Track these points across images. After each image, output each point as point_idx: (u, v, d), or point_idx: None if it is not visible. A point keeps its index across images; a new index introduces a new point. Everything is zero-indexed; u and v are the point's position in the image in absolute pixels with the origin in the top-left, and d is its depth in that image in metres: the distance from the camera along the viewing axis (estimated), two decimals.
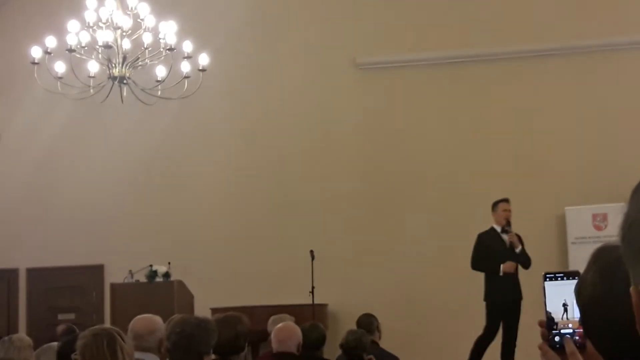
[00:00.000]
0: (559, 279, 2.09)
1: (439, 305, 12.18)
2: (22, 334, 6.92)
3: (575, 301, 2.03)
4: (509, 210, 10.15)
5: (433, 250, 12.39)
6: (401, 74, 12.89)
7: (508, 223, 10.07)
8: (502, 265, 9.90)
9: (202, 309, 10.50)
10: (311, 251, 10.93)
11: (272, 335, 6.39)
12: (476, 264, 10.20)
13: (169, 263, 10.75)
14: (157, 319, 5.50)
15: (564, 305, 2.04)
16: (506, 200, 10.23)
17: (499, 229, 10.12)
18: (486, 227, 12.11)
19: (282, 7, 13.20)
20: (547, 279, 2.10)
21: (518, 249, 10.02)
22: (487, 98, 12.67)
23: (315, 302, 10.89)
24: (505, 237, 10.06)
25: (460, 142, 12.65)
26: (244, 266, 12.61)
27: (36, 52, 9.02)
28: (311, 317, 9.78)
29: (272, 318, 7.54)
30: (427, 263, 12.36)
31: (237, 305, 10.35)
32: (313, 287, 10.79)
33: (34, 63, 9.00)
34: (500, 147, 12.52)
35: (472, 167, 12.54)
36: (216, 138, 13.07)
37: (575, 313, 2.03)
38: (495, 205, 10.26)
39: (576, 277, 2.07)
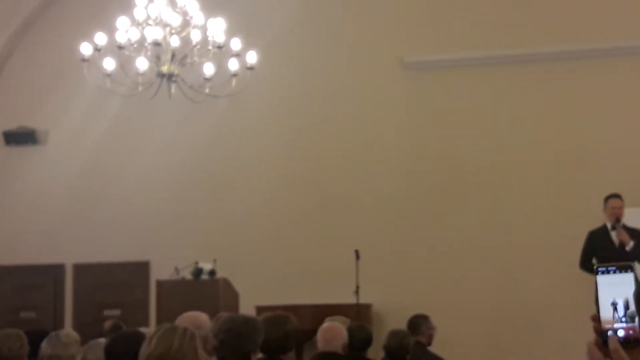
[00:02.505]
0: (612, 272, 2.05)
1: (483, 305, 12.09)
2: (69, 330, 6.95)
3: (631, 300, 1.98)
4: (619, 207, 9.71)
5: (477, 250, 12.31)
6: (448, 73, 12.80)
7: (617, 220, 9.62)
8: None
9: (247, 307, 10.54)
10: (356, 250, 10.90)
11: (318, 335, 6.37)
12: (583, 264, 9.86)
13: (215, 260, 10.75)
14: (204, 316, 5.51)
15: (613, 304, 2.00)
16: (616, 196, 9.80)
17: (609, 226, 9.73)
18: (530, 227, 12.07)
19: (330, 5, 13.18)
20: (600, 273, 2.06)
21: (629, 246, 9.53)
22: (534, 98, 12.55)
23: (360, 301, 10.85)
24: (614, 235, 9.64)
25: (507, 142, 12.55)
26: (289, 264, 12.61)
27: (86, 49, 9.07)
28: (355, 316, 9.74)
29: (326, 320, 7.41)
30: (472, 263, 12.28)
31: (281, 304, 10.35)
32: (358, 287, 10.75)
33: (83, 60, 9.05)
34: (548, 147, 12.40)
35: (518, 167, 12.44)
36: (263, 136, 13.07)
37: (623, 312, 1.99)
38: (605, 201, 9.87)
39: (629, 270, 2.02)
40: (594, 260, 9.77)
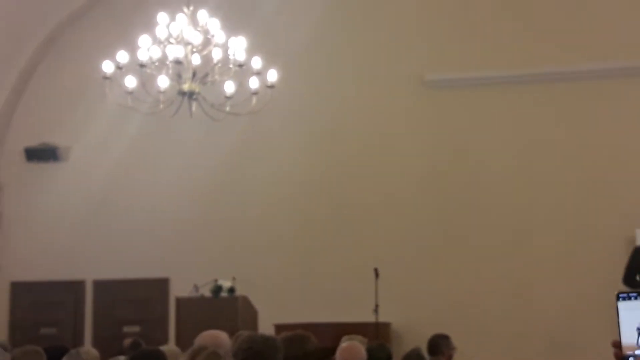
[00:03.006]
0: (633, 298, 2.04)
1: (503, 325, 12.03)
2: (89, 347, 6.99)
3: None
4: None
5: (498, 269, 12.28)
6: (469, 91, 12.81)
7: None
8: None
9: (265, 325, 10.53)
10: (375, 269, 10.89)
11: (337, 354, 6.33)
12: (627, 280, 9.57)
13: (234, 278, 10.76)
14: (223, 335, 5.51)
15: (638, 329, 1.99)
16: None
17: None
18: (551, 247, 12.03)
19: (350, 23, 13.22)
20: (621, 299, 2.04)
21: None
22: (554, 117, 12.54)
23: (379, 320, 10.82)
24: None
25: (527, 161, 12.54)
26: (308, 283, 12.60)
27: (108, 67, 9.12)
28: (374, 335, 9.71)
29: (344, 339, 7.41)
30: (492, 282, 12.25)
31: (300, 322, 10.32)
32: (377, 305, 10.73)
33: (105, 77, 9.09)
34: (568, 166, 12.38)
35: (539, 186, 12.43)
36: (283, 154, 13.10)
37: None
38: None
39: None
40: (638, 277, 9.68)
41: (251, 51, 9.34)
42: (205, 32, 9.22)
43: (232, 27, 9.71)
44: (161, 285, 13.17)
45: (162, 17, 9.13)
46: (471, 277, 12.34)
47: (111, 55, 9.26)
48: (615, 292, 2.06)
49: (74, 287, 13.52)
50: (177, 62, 8.92)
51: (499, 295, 12.18)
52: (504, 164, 12.58)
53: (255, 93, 9.29)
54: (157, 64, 9.03)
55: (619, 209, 11.99)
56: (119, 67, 9.12)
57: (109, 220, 13.39)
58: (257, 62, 9.30)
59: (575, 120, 12.46)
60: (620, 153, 12.23)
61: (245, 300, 10.71)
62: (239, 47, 9.14)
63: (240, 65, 9.12)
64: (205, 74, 9.17)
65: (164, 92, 9.07)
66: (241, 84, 9.27)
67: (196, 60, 9.08)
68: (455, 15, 12.91)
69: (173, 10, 9.33)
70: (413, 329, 11.73)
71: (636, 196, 11.92)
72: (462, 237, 12.50)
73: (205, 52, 9.18)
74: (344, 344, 6.52)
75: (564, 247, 12.16)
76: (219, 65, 9.08)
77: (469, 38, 12.84)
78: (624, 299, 2.04)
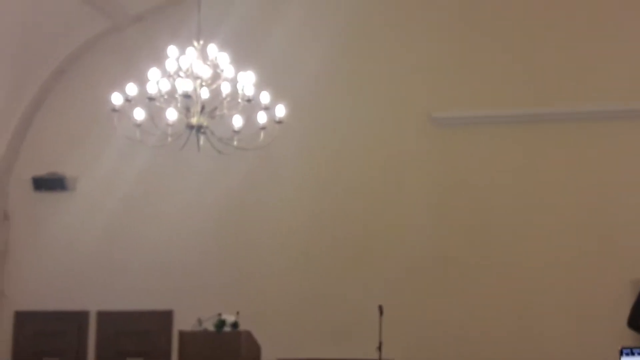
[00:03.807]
0: (636, 354, 2.02)
1: None
2: None
3: None
4: None
5: (502, 308, 12.27)
6: (475, 129, 12.85)
7: None
8: None
9: None
10: (380, 306, 10.85)
11: None
12: (631, 322, 9.50)
13: (238, 312, 10.74)
14: None
15: None
16: None
17: None
18: (555, 286, 12.01)
19: (358, 60, 13.28)
20: (624, 354, 2.03)
21: None
22: (559, 157, 12.58)
23: (383, 357, 10.78)
24: None
25: (531, 200, 12.56)
26: (312, 318, 12.58)
27: (117, 99, 9.16)
28: None
29: None
30: (497, 320, 12.23)
31: (303, 358, 10.32)
32: (381, 343, 10.69)
33: (114, 110, 9.13)
34: (573, 205, 12.39)
35: (544, 225, 12.43)
36: (289, 189, 13.12)
37: None
38: None
39: None
40: None
41: (260, 86, 9.38)
42: (215, 66, 9.26)
43: (241, 61, 9.74)
44: (165, 318, 13.14)
45: (172, 50, 9.19)
46: (476, 316, 12.30)
47: (120, 88, 9.30)
48: (619, 347, 2.04)
49: (78, 318, 13.50)
50: (186, 96, 8.95)
51: (503, 333, 12.13)
52: (509, 202, 12.59)
53: (263, 128, 9.31)
54: (165, 97, 9.06)
55: (624, 251, 11.97)
56: (127, 100, 9.16)
57: (114, 251, 13.41)
58: (265, 97, 9.34)
59: (580, 160, 12.48)
60: (626, 194, 12.23)
61: (249, 335, 10.68)
62: (247, 81, 9.17)
63: (249, 100, 9.15)
64: (213, 107, 9.19)
65: (172, 125, 9.11)
66: (249, 119, 9.30)
67: (205, 94, 9.12)
68: (462, 55, 12.97)
69: (182, 44, 9.39)
70: None
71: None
72: (467, 275, 12.48)
73: (214, 86, 9.22)
74: None
75: (569, 287, 12.12)
76: (228, 99, 9.10)
77: (475, 77, 12.90)
78: (627, 354, 2.02)
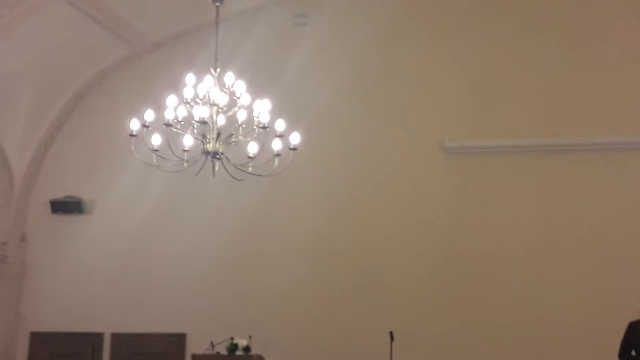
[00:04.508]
0: None
1: None
2: None
3: None
4: None
5: (514, 336, 12.27)
6: (488, 159, 12.93)
7: None
8: None
9: None
10: (391, 332, 10.90)
11: None
12: (622, 355, 9.72)
13: (250, 337, 10.81)
14: None
15: None
16: None
17: None
18: (567, 316, 11.99)
19: (373, 90, 13.39)
20: None
21: None
22: (571, 186, 12.65)
23: None
24: None
25: (544, 228, 12.61)
26: (323, 343, 12.61)
27: (134, 125, 9.27)
28: None
29: None
30: (508, 348, 12.23)
31: None
32: None
33: (132, 135, 9.23)
34: (587, 236, 12.41)
35: (557, 254, 12.45)
36: (303, 216, 13.20)
37: None
38: None
39: None
40: (633, 353, 9.68)
41: (275, 113, 9.47)
42: (231, 94, 9.35)
43: (257, 89, 9.85)
44: (178, 341, 13.20)
45: (189, 78, 9.30)
46: (488, 343, 12.30)
47: (138, 113, 9.41)
48: None
49: (92, 339, 13.58)
50: (203, 123, 9.04)
51: None
52: (522, 231, 12.63)
53: (277, 155, 9.37)
54: (182, 123, 9.16)
55: (634, 281, 11.96)
56: (145, 125, 9.26)
57: (129, 273, 13.50)
58: (280, 125, 9.42)
59: (593, 190, 12.53)
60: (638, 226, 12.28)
61: (260, 359, 10.74)
62: (263, 109, 9.26)
63: (264, 127, 9.23)
64: (229, 134, 9.27)
65: (188, 151, 9.22)
66: (264, 145, 9.37)
67: (221, 120, 9.20)
68: (476, 85, 13.08)
69: (200, 71, 9.49)
70: None
71: None
72: (479, 302, 12.50)
73: (230, 113, 9.29)
74: None
75: (580, 316, 12.13)
76: (243, 126, 9.18)
77: (488, 107, 12.99)
78: None
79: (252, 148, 9.20)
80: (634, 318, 10.04)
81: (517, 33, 13.11)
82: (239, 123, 9.13)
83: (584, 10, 12.98)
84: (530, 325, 12.24)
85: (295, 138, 9.44)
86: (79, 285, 13.57)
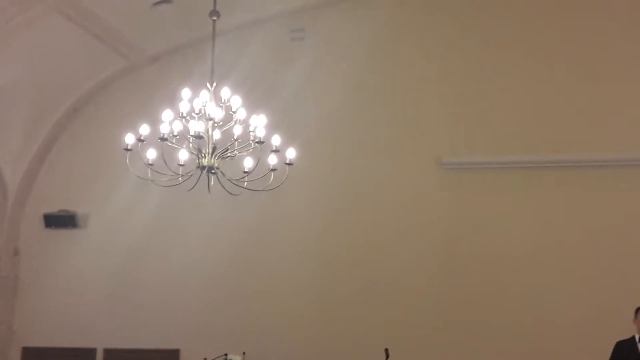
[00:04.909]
0: None
1: None
2: None
3: None
4: None
5: (511, 349, 12.24)
6: (485, 175, 12.94)
7: None
8: None
9: None
10: (386, 349, 10.84)
11: None
12: None
13: (244, 353, 10.76)
14: None
15: None
16: None
17: (637, 337, 9.49)
18: (564, 327, 11.95)
19: (370, 106, 13.40)
20: None
21: None
22: (567, 202, 12.66)
23: None
24: None
25: (539, 243, 12.65)
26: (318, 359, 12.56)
27: (130, 139, 9.21)
28: None
29: None
30: (509, 352, 12.21)
31: None
32: None
33: (126, 149, 9.17)
34: (583, 251, 12.45)
35: (553, 268, 12.48)
36: (299, 232, 13.18)
37: None
38: (635, 312, 9.60)
39: None
40: None
41: (271, 128, 9.44)
42: (227, 109, 9.32)
43: (253, 103, 9.82)
44: (172, 357, 13.15)
45: (185, 92, 9.26)
46: (487, 347, 12.30)
47: (133, 128, 9.36)
48: None
49: (85, 355, 13.52)
50: (198, 137, 8.99)
51: None
52: (518, 245, 12.66)
53: (273, 170, 9.34)
54: (178, 137, 9.11)
55: (630, 297, 11.92)
56: (140, 140, 9.20)
57: (122, 288, 13.45)
58: (276, 140, 9.39)
59: (587, 206, 12.59)
60: (635, 242, 12.26)
61: None
62: (259, 124, 9.22)
63: (260, 142, 9.19)
64: (225, 149, 9.23)
65: (183, 166, 9.17)
66: (260, 160, 9.33)
67: (217, 135, 9.16)
68: (473, 102, 13.11)
69: (196, 85, 9.46)
70: None
71: None
72: (476, 319, 12.49)
73: (226, 128, 9.25)
74: None
75: (576, 328, 12.12)
76: (239, 141, 9.14)
77: (485, 124, 13.05)
78: None
79: (248, 163, 9.16)
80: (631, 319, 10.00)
81: (513, 49, 13.14)
82: (235, 138, 9.09)
83: (579, 27, 13.03)
84: (528, 336, 12.27)
85: (291, 153, 9.40)
86: (72, 300, 13.52)
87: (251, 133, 9.20)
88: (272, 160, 9.32)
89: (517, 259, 12.57)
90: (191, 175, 9.23)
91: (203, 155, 9.13)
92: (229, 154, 9.23)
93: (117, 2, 12.26)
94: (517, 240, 12.64)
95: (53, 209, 13.83)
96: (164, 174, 9.27)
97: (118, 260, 13.50)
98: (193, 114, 9.12)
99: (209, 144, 9.13)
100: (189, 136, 9.06)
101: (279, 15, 13.68)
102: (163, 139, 8.97)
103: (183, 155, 9.10)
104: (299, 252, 13.11)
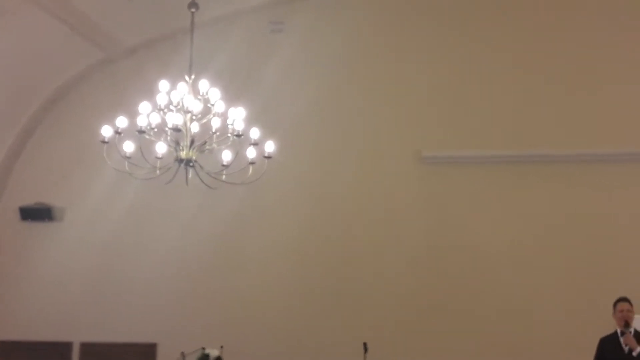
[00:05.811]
0: None
1: None
2: None
3: None
4: (627, 310, 9.29)
5: (491, 345, 12.26)
6: (464, 169, 12.95)
7: (626, 324, 9.20)
8: None
9: None
10: (364, 343, 10.83)
11: None
12: None
13: (222, 347, 10.72)
14: None
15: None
16: (624, 300, 9.39)
17: (619, 331, 9.35)
18: (543, 322, 11.98)
19: (349, 98, 13.38)
20: None
21: (636, 352, 9.12)
22: (543, 196, 12.71)
23: None
24: (623, 340, 9.24)
25: (520, 238, 12.64)
26: (296, 355, 12.54)
27: (107, 132, 9.14)
28: None
29: None
30: (485, 358, 12.17)
31: None
32: None
33: (103, 142, 9.10)
34: (562, 245, 12.48)
35: (532, 263, 12.50)
36: (278, 225, 13.15)
37: None
38: (614, 305, 9.46)
39: None
40: None
41: (249, 121, 9.40)
42: (206, 101, 9.27)
43: (231, 96, 9.77)
44: (149, 351, 13.09)
45: (163, 84, 9.20)
46: (464, 352, 12.29)
47: (110, 120, 9.29)
48: None
49: (61, 348, 13.43)
50: (176, 130, 8.94)
51: None
52: (496, 240, 12.67)
53: (252, 163, 9.30)
54: (155, 130, 9.05)
55: (609, 291, 11.95)
56: (117, 132, 9.13)
57: (100, 282, 13.37)
58: (255, 133, 9.36)
59: (563, 199, 12.62)
60: (612, 236, 12.32)
61: None
62: (238, 117, 9.19)
63: (239, 135, 9.16)
64: (203, 142, 9.19)
65: (161, 159, 9.10)
66: (238, 154, 9.28)
67: (195, 128, 9.12)
68: (453, 96, 13.11)
69: (174, 78, 9.40)
70: None
71: (627, 280, 11.91)
72: (455, 312, 12.49)
73: (204, 121, 9.21)
74: None
75: (557, 323, 12.15)
76: (217, 134, 9.10)
77: (465, 119, 13.05)
78: None
79: (226, 156, 9.11)
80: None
81: (494, 43, 13.15)
82: (213, 131, 9.07)
83: (561, 20, 13.03)
84: (508, 331, 12.28)
85: (269, 146, 9.37)
86: (48, 293, 13.42)
87: (230, 126, 9.17)
88: (251, 153, 9.30)
89: (498, 253, 12.60)
90: (169, 168, 9.18)
91: (181, 148, 9.10)
92: (207, 147, 9.19)
93: None
94: (498, 234, 12.66)
95: (29, 201, 13.72)
96: (141, 167, 9.21)
97: (95, 253, 13.42)
98: (171, 107, 9.07)
99: (187, 137, 9.09)
100: (166, 129, 9.02)
101: (257, 8, 13.62)
102: (141, 132, 8.91)
103: (161, 148, 9.02)
104: (278, 245, 13.08)
